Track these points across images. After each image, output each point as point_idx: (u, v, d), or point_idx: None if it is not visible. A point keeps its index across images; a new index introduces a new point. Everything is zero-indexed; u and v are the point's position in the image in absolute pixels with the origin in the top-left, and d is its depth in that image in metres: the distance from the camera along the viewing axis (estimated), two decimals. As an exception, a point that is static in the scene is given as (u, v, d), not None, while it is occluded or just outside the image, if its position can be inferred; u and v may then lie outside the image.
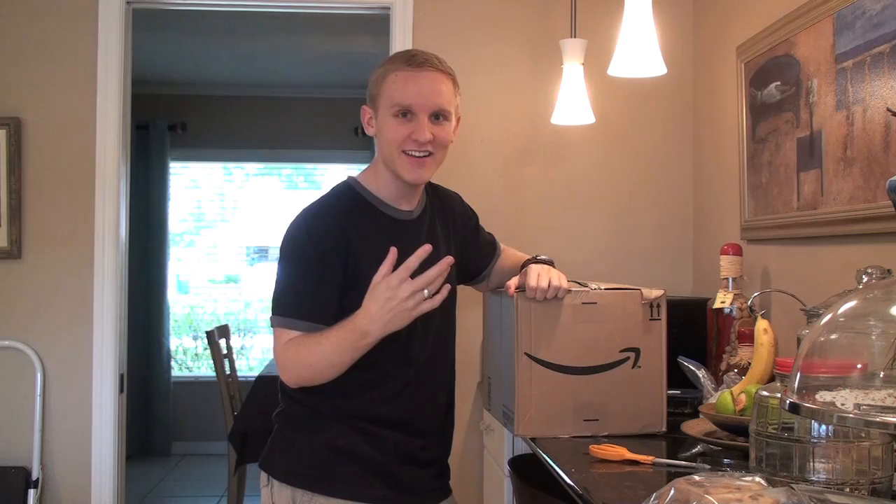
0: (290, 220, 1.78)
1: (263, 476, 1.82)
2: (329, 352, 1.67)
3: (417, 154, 1.74)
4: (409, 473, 1.81)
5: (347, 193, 1.82)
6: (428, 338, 1.83)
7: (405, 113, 1.73)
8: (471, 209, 2.08)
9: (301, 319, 1.70)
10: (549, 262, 2.01)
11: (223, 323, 5.12)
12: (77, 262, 3.02)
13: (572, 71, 2.85)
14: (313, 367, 1.70)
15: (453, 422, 1.97)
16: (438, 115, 1.75)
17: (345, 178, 1.87)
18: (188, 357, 6.78)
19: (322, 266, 1.71)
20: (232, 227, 6.75)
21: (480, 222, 2.13)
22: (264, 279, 6.84)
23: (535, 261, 2.00)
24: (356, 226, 1.75)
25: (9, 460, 2.98)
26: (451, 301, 1.88)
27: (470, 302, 2.34)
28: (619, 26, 2.30)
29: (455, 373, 1.98)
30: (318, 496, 1.73)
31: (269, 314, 1.76)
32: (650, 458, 1.69)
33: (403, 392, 1.80)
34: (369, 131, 1.82)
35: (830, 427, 1.25)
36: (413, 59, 1.76)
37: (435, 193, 1.96)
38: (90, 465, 3.01)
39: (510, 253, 2.16)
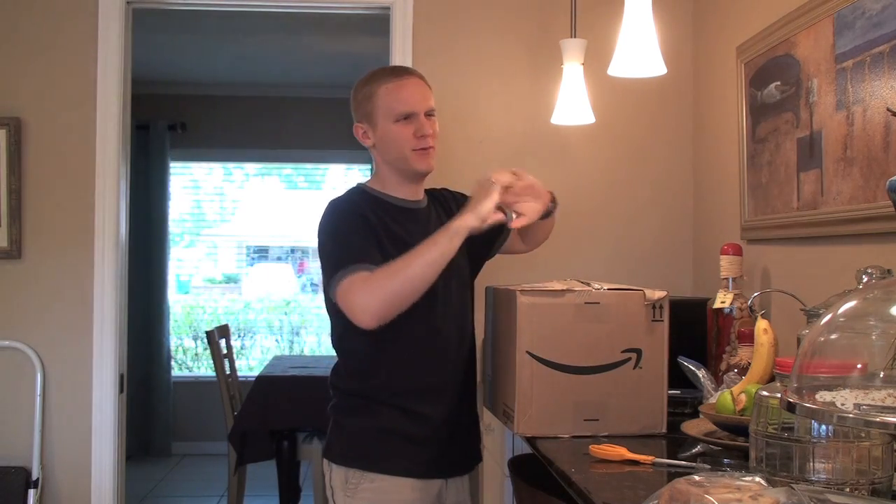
0: (320, 217, 2.00)
1: (325, 463, 2.02)
2: (421, 253, 1.84)
3: (424, 147, 2.00)
4: (447, 445, 2.00)
5: (359, 191, 2.09)
6: (448, 309, 2.02)
7: (406, 117, 1.98)
8: (458, 193, 2.22)
9: (356, 262, 1.86)
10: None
11: (223, 323, 5.12)
12: (77, 262, 3.02)
13: (572, 71, 2.85)
14: (405, 275, 1.82)
15: (476, 390, 2.14)
16: (430, 113, 2.02)
17: (352, 187, 2.12)
18: (188, 357, 6.78)
19: (360, 225, 1.94)
20: (232, 227, 6.75)
21: None
22: (264, 279, 6.85)
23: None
24: (371, 213, 1.99)
25: (9, 460, 2.98)
26: (463, 280, 2.08)
27: (470, 302, 2.34)
28: (619, 26, 2.30)
29: (475, 343, 2.14)
30: (368, 473, 1.93)
31: (330, 286, 1.91)
32: (650, 458, 1.69)
33: (435, 361, 1.99)
34: (367, 143, 2.05)
35: (830, 427, 1.25)
36: (396, 71, 2.06)
37: (430, 194, 2.17)
38: (90, 465, 3.01)
39: None
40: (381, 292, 1.82)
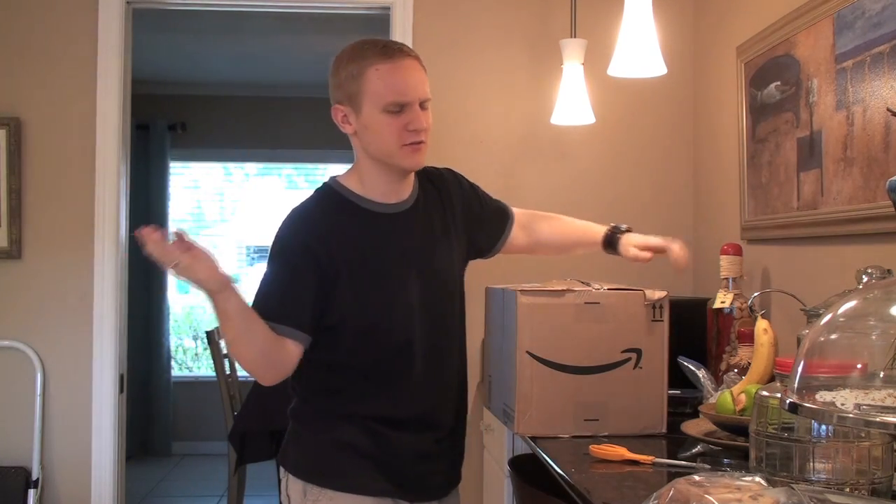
0: (280, 222, 1.79)
1: (281, 469, 1.86)
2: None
3: (416, 142, 1.73)
4: (419, 471, 1.82)
5: (328, 194, 1.81)
6: (432, 335, 1.82)
7: (398, 106, 1.71)
8: (465, 181, 1.99)
9: (268, 320, 1.70)
10: (630, 230, 2.03)
11: (223, 323, 5.11)
12: (77, 262, 3.03)
13: (572, 71, 2.85)
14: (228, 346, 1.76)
15: (466, 413, 1.98)
16: (424, 103, 1.75)
17: (326, 180, 1.85)
18: (188, 357, 6.77)
19: (298, 269, 1.71)
20: (232, 227, 6.75)
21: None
22: (264, 279, 6.84)
23: (625, 231, 2.02)
24: (337, 227, 1.75)
25: (9, 460, 2.98)
26: (452, 293, 1.89)
27: (471, 300, 2.34)
28: (619, 26, 2.30)
29: (466, 364, 1.97)
30: (326, 490, 1.76)
31: None
32: (650, 458, 1.69)
33: (412, 392, 1.79)
34: (347, 130, 1.77)
35: (830, 427, 1.25)
36: (388, 51, 1.73)
37: (427, 179, 1.90)
38: (90, 465, 3.01)
39: (564, 222, 2.12)
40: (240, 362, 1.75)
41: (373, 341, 1.76)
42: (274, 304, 1.71)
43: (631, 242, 1.98)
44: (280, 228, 1.78)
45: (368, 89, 1.70)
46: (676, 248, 1.94)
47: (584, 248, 2.07)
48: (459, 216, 1.92)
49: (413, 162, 1.76)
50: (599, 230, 2.05)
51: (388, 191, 1.80)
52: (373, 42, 1.76)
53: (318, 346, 1.75)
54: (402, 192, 1.82)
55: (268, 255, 1.79)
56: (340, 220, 1.76)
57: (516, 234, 2.06)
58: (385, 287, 1.76)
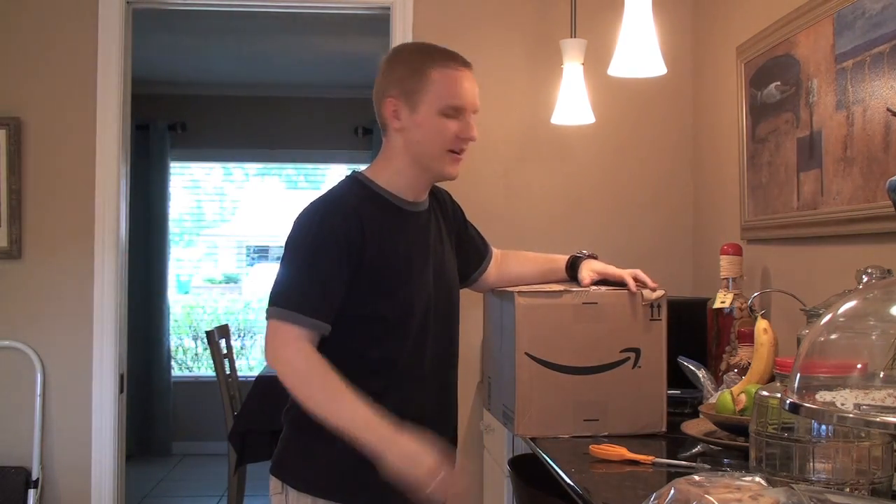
0: (297, 214, 1.74)
1: (276, 483, 1.74)
2: (340, 414, 1.60)
3: (461, 150, 1.78)
4: None
5: (356, 186, 1.79)
6: (440, 335, 1.82)
7: (457, 111, 1.74)
8: (458, 205, 2.03)
9: (305, 315, 1.64)
10: (595, 257, 2.08)
11: (223, 323, 5.12)
12: (77, 262, 3.03)
13: (572, 71, 2.85)
14: (317, 403, 1.62)
15: (456, 423, 1.95)
16: (474, 114, 1.80)
17: (349, 174, 1.84)
18: (188, 357, 6.78)
19: (333, 260, 1.67)
20: (232, 227, 6.75)
21: (481, 225, 2.11)
22: (264, 279, 6.85)
23: (588, 257, 2.06)
24: (369, 218, 1.72)
25: (9, 460, 2.98)
26: (456, 297, 1.91)
27: (470, 302, 2.34)
28: (619, 26, 2.30)
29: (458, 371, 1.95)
30: None
31: (267, 307, 1.68)
32: (650, 458, 1.69)
33: (422, 392, 1.77)
34: (394, 124, 1.75)
35: (830, 427, 1.25)
36: (456, 58, 1.77)
37: (431, 192, 1.92)
38: (90, 465, 3.01)
39: (529, 256, 2.13)
40: (298, 388, 1.63)
41: (393, 334, 1.73)
42: (316, 300, 1.66)
43: (590, 267, 2.02)
44: (307, 218, 1.72)
45: (430, 89, 1.72)
46: (632, 282, 1.98)
47: (549, 277, 2.08)
48: (453, 233, 1.96)
49: (453, 170, 1.79)
50: (562, 258, 2.09)
51: (417, 190, 1.82)
52: (435, 46, 1.80)
53: (335, 337, 1.69)
54: (422, 195, 1.84)
55: (295, 242, 1.71)
56: (372, 210, 1.74)
57: (490, 271, 2.09)
58: (411, 278, 1.76)
